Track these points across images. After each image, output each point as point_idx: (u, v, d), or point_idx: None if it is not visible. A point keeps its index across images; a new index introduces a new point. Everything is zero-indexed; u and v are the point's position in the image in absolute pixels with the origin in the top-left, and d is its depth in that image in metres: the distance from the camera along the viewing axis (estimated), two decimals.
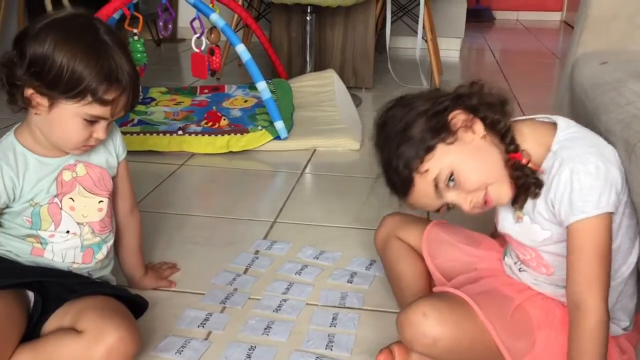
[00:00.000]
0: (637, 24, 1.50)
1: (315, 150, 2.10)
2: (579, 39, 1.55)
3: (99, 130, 0.99)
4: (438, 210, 0.99)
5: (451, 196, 0.92)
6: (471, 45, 4.33)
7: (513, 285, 1.04)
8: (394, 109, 0.97)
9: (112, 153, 1.10)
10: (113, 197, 1.13)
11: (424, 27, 2.93)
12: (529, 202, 0.94)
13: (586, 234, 0.87)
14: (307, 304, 1.22)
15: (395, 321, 0.97)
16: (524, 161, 0.92)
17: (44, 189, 1.01)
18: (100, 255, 1.09)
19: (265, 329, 1.13)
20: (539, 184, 0.91)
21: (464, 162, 0.91)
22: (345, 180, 1.86)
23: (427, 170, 0.91)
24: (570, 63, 1.55)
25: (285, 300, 1.22)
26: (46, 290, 1.00)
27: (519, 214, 0.97)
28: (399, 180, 0.94)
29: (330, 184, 1.84)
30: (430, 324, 0.92)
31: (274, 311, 1.19)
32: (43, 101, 0.94)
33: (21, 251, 1.03)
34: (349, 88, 2.61)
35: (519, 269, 1.04)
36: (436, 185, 0.91)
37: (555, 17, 5.83)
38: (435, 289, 1.10)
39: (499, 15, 5.79)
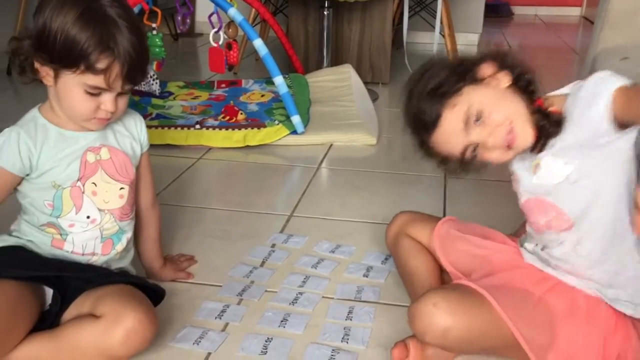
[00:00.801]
0: None
1: (331, 145, 2.11)
2: (600, 34, 1.54)
3: (107, 102, 0.99)
4: (457, 170, 1.04)
5: (476, 133, 0.97)
6: (489, 41, 4.29)
7: (531, 275, 1.03)
8: (423, 68, 1.05)
9: (137, 141, 1.12)
10: (136, 189, 1.15)
11: (441, 22, 2.91)
12: (552, 140, 0.98)
13: (630, 90, 0.88)
14: (323, 297, 1.23)
15: (407, 314, 0.98)
16: (545, 107, 0.98)
17: (63, 164, 1.02)
18: (120, 246, 1.11)
19: (282, 321, 1.14)
20: (559, 122, 0.97)
21: (491, 101, 0.98)
22: (361, 175, 1.87)
23: (455, 105, 0.98)
24: (591, 58, 1.54)
25: (301, 294, 1.23)
26: (64, 284, 1.01)
27: (536, 161, 0.99)
28: (428, 114, 0.99)
29: (347, 178, 1.85)
30: (440, 315, 0.93)
31: (290, 304, 1.20)
32: (50, 72, 0.97)
33: (42, 242, 1.05)
34: (365, 83, 2.60)
35: (541, 248, 1.04)
36: (465, 121, 0.97)
37: (575, 12, 5.77)
38: (451, 284, 1.10)
39: (518, 10, 5.74)
